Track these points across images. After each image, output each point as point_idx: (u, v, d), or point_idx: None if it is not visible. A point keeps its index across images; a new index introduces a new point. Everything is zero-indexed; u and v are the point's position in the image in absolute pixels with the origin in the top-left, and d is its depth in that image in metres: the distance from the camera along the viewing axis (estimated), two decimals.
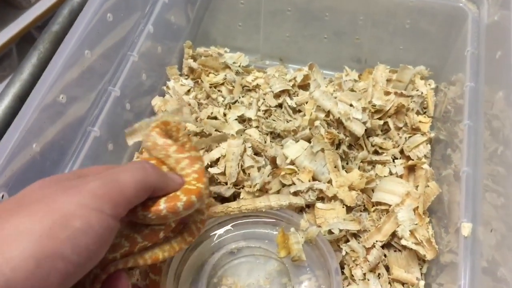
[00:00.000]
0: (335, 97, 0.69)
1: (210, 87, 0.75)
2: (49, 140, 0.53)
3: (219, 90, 0.76)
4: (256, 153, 0.66)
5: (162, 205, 0.42)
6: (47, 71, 0.54)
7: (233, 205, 0.58)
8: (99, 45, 0.60)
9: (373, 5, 0.73)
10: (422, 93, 0.72)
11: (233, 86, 0.75)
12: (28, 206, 0.34)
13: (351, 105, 0.67)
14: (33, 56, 0.61)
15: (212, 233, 0.59)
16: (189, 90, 0.76)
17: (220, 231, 0.59)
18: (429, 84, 0.74)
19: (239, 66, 0.80)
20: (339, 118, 0.65)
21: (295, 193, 0.60)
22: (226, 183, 0.62)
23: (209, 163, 0.64)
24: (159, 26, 0.71)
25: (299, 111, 0.72)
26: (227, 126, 0.68)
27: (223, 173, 0.63)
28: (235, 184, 0.62)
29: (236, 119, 0.69)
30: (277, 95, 0.72)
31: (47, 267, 0.32)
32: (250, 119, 0.70)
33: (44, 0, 1.91)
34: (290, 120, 0.69)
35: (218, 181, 0.63)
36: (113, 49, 0.64)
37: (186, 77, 0.79)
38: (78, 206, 0.35)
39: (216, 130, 0.68)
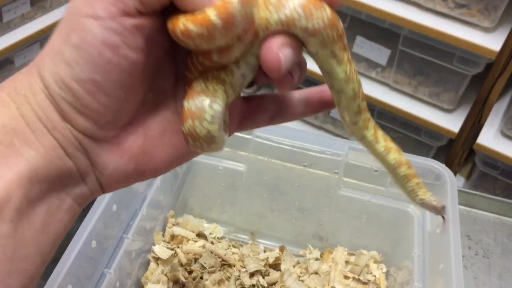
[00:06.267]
0: (303, 281, 0.79)
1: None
2: None
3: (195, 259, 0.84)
4: None
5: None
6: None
7: None
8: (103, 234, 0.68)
9: (336, 198, 0.85)
10: (375, 276, 0.83)
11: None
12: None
13: None
14: None
15: None
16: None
17: None
18: (381, 268, 0.86)
19: (214, 237, 0.88)
20: None
21: None
22: None
23: None
24: (150, 207, 0.79)
25: None
26: None
27: None
28: None
29: None
30: (251, 274, 0.81)
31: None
32: None
33: None
34: None
35: None
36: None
37: (168, 243, 0.86)
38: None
39: None
